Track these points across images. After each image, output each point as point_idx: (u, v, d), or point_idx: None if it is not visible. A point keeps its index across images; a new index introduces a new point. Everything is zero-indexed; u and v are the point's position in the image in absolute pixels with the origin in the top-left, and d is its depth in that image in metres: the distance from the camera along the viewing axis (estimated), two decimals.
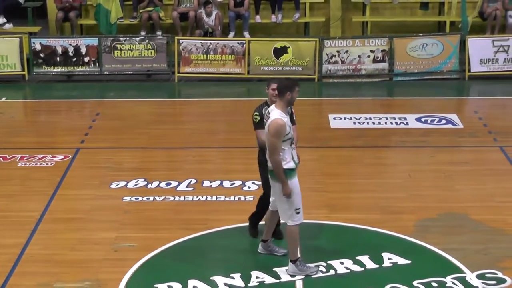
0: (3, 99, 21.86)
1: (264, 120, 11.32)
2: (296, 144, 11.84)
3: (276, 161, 11.05)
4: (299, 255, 11.54)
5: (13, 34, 23.83)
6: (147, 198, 14.81)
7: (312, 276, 11.89)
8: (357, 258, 12.32)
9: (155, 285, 11.60)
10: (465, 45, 22.70)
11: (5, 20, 24.50)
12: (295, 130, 11.98)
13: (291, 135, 11.13)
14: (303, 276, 11.53)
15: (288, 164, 11.14)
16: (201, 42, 23.00)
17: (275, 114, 10.97)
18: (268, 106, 11.86)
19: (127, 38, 23.25)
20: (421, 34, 23.25)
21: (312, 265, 11.61)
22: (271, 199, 11.71)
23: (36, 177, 16.01)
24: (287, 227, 11.38)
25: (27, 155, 17.13)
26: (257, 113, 12.10)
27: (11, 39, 23.28)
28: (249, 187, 15.13)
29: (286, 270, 11.54)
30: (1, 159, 16.99)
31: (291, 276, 11.47)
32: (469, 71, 22.68)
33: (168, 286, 11.61)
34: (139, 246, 12.56)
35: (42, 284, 11.67)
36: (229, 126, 19.13)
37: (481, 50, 22.69)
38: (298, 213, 11.25)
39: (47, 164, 16.63)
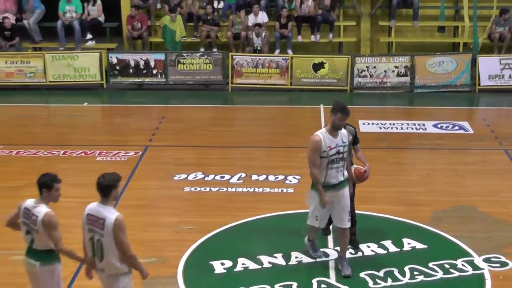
0: (85, 104, 22.01)
1: None
2: (365, 161, 11.75)
3: (312, 174, 10.78)
4: (312, 238, 11.62)
5: (94, 49, 24.00)
6: (204, 189, 14.85)
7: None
8: (381, 242, 12.33)
9: (210, 262, 11.65)
10: (476, 63, 22.54)
11: (91, 36, 24.68)
12: (358, 149, 11.88)
13: (327, 154, 10.56)
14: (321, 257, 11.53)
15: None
16: (251, 58, 23.00)
17: (318, 131, 10.74)
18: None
19: (189, 54, 23.29)
20: (438, 53, 23.11)
21: (320, 251, 11.75)
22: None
23: (111, 170, 15.98)
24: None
25: (104, 151, 17.24)
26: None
27: (93, 54, 23.45)
28: (290, 181, 15.13)
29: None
30: (83, 154, 17.11)
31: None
32: (479, 85, 22.50)
33: (221, 263, 11.65)
34: (197, 229, 12.60)
35: None
36: (273, 129, 19.12)
37: (489, 67, 22.52)
38: (316, 219, 11.06)
39: (120, 159, 16.73)
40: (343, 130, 10.81)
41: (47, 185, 9.01)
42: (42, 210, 8.86)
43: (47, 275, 9.00)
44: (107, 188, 8.84)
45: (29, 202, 9.06)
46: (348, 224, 11.14)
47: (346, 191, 11.00)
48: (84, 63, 23.24)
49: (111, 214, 8.65)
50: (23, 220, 9.02)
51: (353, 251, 12.03)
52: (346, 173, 10.99)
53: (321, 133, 10.62)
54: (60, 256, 9.06)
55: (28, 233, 8.98)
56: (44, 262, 8.95)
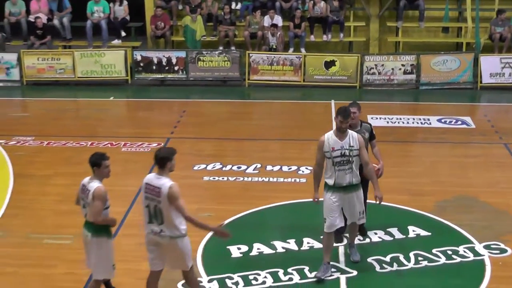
0: (111, 98, 22.06)
1: None
2: (381, 158, 11.72)
3: (313, 170, 10.72)
4: (326, 260, 10.80)
5: (120, 47, 24.05)
6: (222, 178, 14.87)
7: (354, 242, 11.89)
8: (387, 229, 12.33)
9: (227, 247, 11.69)
10: (478, 62, 22.46)
11: (118, 35, 24.71)
12: (374, 145, 11.82)
13: (330, 155, 10.32)
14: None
15: (328, 179, 10.50)
16: (266, 56, 22.98)
17: (328, 132, 10.57)
18: (350, 127, 11.63)
19: (208, 52, 23.29)
20: (442, 52, 23.02)
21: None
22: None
23: (135, 160, 16.14)
24: None
25: (129, 143, 17.28)
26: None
27: (118, 51, 23.50)
28: (302, 171, 15.13)
29: None
30: (109, 145, 17.15)
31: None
32: (481, 82, 22.42)
33: (237, 247, 11.69)
34: (215, 216, 12.60)
35: (139, 243, 11.75)
36: (287, 123, 19.10)
37: (490, 66, 22.43)
38: (325, 222, 10.66)
39: (144, 150, 16.75)
40: (354, 135, 10.49)
41: (96, 163, 9.54)
42: (94, 185, 9.40)
43: (96, 245, 9.52)
44: (163, 160, 9.39)
45: (86, 179, 9.62)
46: (361, 221, 10.98)
47: (358, 194, 10.65)
48: (111, 60, 23.30)
49: (166, 183, 9.23)
50: (80, 195, 9.62)
51: (361, 238, 12.03)
52: (357, 178, 10.56)
53: (328, 134, 10.45)
54: (110, 231, 9.64)
55: (84, 206, 9.58)
56: (95, 233, 9.50)
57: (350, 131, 10.47)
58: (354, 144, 10.36)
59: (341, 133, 10.35)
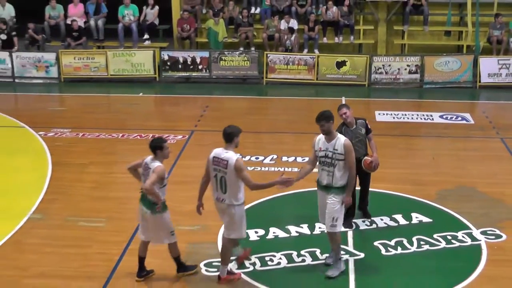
0: (140, 94, 22.15)
1: None
2: (375, 151, 11.63)
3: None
4: (339, 256, 10.55)
5: (148, 48, 24.12)
6: None
7: (360, 228, 11.92)
8: (392, 216, 12.34)
9: (246, 230, 11.71)
10: (477, 63, 22.39)
11: (147, 36, 24.80)
12: (370, 138, 11.74)
13: (317, 154, 10.14)
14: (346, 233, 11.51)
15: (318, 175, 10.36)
16: (283, 56, 22.99)
17: None
18: (346, 126, 11.66)
19: (230, 52, 23.33)
20: (444, 54, 22.97)
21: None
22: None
23: None
24: None
25: (156, 135, 17.28)
26: (336, 131, 11.73)
27: (147, 51, 23.57)
28: None
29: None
30: (138, 137, 17.23)
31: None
32: (480, 82, 22.35)
33: (255, 231, 11.73)
34: None
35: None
36: (301, 117, 19.09)
37: (489, 66, 22.36)
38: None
39: (170, 141, 16.75)
40: (342, 141, 9.97)
41: (159, 146, 9.85)
42: (155, 164, 9.74)
43: (158, 219, 9.86)
44: (230, 135, 9.89)
45: (148, 159, 9.91)
46: (330, 229, 10.20)
47: (334, 198, 10.09)
48: (140, 59, 23.38)
49: (233, 156, 9.69)
50: (143, 172, 9.90)
51: (368, 223, 12.06)
52: (341, 182, 10.05)
53: (321, 135, 10.18)
54: (166, 204, 9.87)
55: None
56: (154, 211, 9.80)
57: (340, 137, 10.08)
58: (339, 149, 9.94)
59: (327, 136, 10.09)
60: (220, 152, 9.89)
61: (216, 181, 9.85)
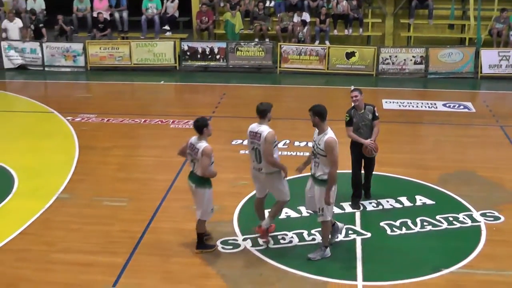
0: (162, 82, 22.16)
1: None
2: (374, 137, 11.61)
3: None
4: (326, 244, 10.37)
5: (169, 39, 24.10)
6: None
7: (368, 209, 11.89)
8: (398, 198, 12.32)
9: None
10: (479, 55, 22.25)
11: (168, 28, 24.77)
12: (376, 124, 11.65)
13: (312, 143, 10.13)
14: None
15: None
16: (295, 47, 22.92)
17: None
18: (355, 109, 11.65)
19: (246, 43, 23.28)
20: (448, 46, 22.84)
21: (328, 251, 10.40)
22: None
23: (182, 135, 16.15)
24: None
25: (176, 120, 17.37)
26: (347, 114, 11.61)
27: (168, 42, 23.56)
28: None
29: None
30: (159, 122, 17.25)
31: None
32: (481, 72, 22.22)
33: (268, 211, 11.70)
34: (250, 184, 12.53)
35: (184, 206, 11.88)
36: (313, 104, 19.01)
37: (489, 58, 22.22)
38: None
39: (189, 126, 16.70)
40: (326, 138, 9.70)
41: (204, 125, 10.11)
42: (202, 144, 10.00)
43: (201, 195, 10.15)
44: (263, 111, 10.30)
45: (193, 139, 10.19)
46: (319, 218, 10.08)
47: (316, 190, 9.99)
48: (162, 50, 23.38)
49: (265, 130, 10.12)
50: (189, 151, 10.20)
51: (375, 205, 12.02)
52: (322, 176, 9.84)
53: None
54: (211, 182, 10.20)
55: (192, 161, 10.17)
56: (199, 185, 10.11)
57: (328, 133, 9.80)
58: (321, 145, 9.74)
59: (316, 128, 10.05)
60: (255, 126, 10.30)
61: (253, 152, 10.25)
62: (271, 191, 10.61)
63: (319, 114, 9.98)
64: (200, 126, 10.06)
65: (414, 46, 23.16)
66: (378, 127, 11.72)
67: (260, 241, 10.73)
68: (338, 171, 9.87)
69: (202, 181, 10.08)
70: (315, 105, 10.16)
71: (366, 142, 11.56)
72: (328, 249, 10.36)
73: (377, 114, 11.73)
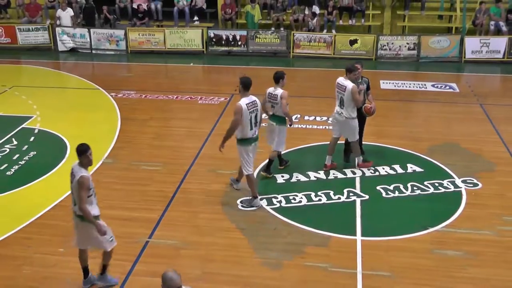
0: (191, 64, 22.10)
1: None
2: (372, 100, 12.08)
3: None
4: (255, 194, 10.66)
5: (198, 27, 24.00)
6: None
7: (366, 175, 11.87)
8: (392, 166, 12.29)
9: (274, 175, 11.78)
10: (463, 42, 22.01)
11: (197, 18, 24.66)
12: (369, 94, 12.20)
13: None
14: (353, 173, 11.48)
15: None
16: (306, 35, 22.75)
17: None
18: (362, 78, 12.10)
19: (263, 31, 23.13)
20: (437, 34, 22.60)
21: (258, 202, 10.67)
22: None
23: (209, 109, 16.22)
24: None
25: (204, 97, 17.35)
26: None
27: (197, 30, 23.43)
28: (331, 121, 15.06)
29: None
30: (189, 98, 17.23)
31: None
32: (465, 57, 21.96)
33: (281, 175, 11.84)
34: (265, 151, 12.53)
35: (210, 170, 11.94)
36: (321, 84, 18.98)
37: (472, 45, 21.93)
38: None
39: (214, 102, 16.81)
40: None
41: (281, 77, 11.35)
42: (279, 91, 11.22)
43: (279, 130, 11.37)
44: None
45: (271, 89, 11.34)
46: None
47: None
48: (191, 36, 23.26)
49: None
50: (268, 99, 11.33)
51: (372, 171, 12.01)
52: (256, 134, 10.45)
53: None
54: (286, 120, 11.27)
55: (272, 106, 11.26)
56: (278, 123, 11.33)
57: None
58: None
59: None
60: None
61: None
62: (346, 134, 11.76)
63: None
64: (278, 77, 11.19)
65: (408, 34, 22.91)
66: (371, 96, 12.25)
67: (274, 200, 10.78)
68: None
69: (282, 119, 11.24)
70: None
71: (373, 103, 12.10)
72: (257, 199, 10.55)
73: (369, 86, 12.20)
